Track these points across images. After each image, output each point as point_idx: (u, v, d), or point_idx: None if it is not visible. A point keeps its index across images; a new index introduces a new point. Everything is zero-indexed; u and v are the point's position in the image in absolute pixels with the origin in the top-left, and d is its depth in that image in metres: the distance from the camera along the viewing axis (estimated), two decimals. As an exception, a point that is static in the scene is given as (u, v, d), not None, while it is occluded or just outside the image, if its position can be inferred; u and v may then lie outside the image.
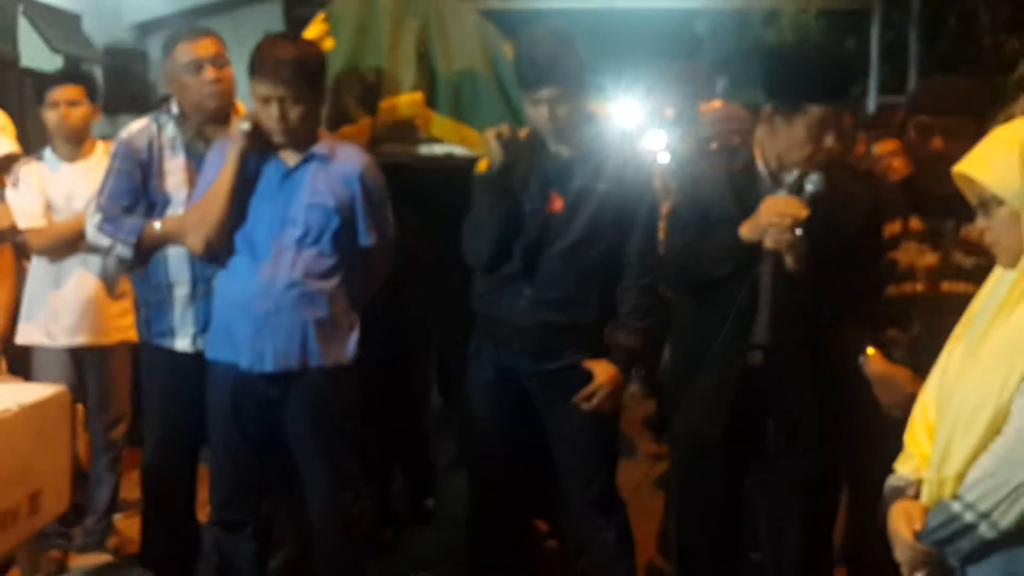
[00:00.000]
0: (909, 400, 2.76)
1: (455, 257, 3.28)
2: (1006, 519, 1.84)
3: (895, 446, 2.25)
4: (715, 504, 3.02)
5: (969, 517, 1.87)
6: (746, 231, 2.75)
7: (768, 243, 2.70)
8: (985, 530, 1.86)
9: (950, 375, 2.05)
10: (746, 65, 11.36)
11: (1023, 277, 1.87)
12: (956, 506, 1.90)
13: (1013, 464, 1.83)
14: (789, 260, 2.71)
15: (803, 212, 2.68)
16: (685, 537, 3.15)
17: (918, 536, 1.97)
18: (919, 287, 3.01)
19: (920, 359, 2.85)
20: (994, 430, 1.88)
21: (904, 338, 2.99)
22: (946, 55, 6.56)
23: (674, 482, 3.15)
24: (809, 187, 2.74)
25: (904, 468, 2.19)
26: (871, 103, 6.74)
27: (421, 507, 4.57)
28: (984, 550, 1.89)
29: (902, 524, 2.03)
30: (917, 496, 2.09)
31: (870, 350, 3.00)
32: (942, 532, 1.92)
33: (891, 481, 2.20)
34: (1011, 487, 1.83)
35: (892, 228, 3.10)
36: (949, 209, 2.97)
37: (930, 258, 3.01)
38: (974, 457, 1.90)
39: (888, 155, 4.47)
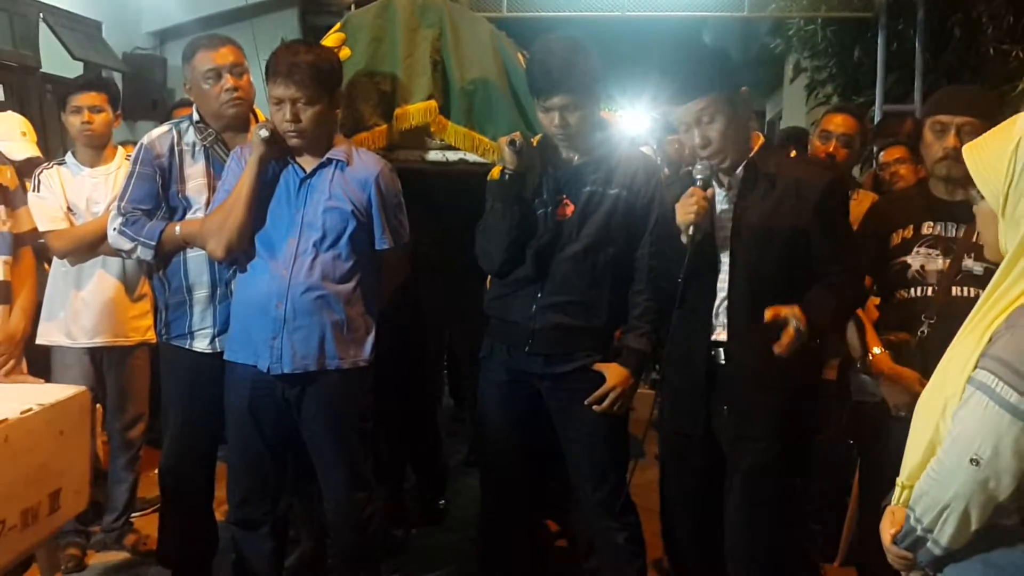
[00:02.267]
0: (916, 400, 2.82)
1: (469, 261, 3.34)
2: (944, 537, 1.82)
3: (903, 452, 2.29)
4: (696, 500, 3.05)
5: (919, 530, 1.87)
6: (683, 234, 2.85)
7: (684, 241, 2.81)
8: (932, 545, 1.85)
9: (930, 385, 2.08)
10: (753, 73, 11.41)
11: (992, 290, 1.84)
12: (911, 518, 1.90)
13: (941, 483, 1.80)
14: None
15: (692, 200, 2.80)
16: (671, 533, 3.19)
17: (895, 540, 1.97)
18: (929, 291, 3.06)
19: (928, 362, 2.90)
20: (934, 441, 1.87)
21: (913, 341, 3.04)
22: (951, 64, 6.59)
23: (660, 480, 3.19)
24: (697, 176, 2.86)
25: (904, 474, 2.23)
26: (877, 111, 6.76)
27: (433, 507, 4.63)
28: (940, 562, 1.87)
29: (886, 527, 2.03)
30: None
31: (877, 350, 3.06)
32: (906, 541, 1.92)
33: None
34: (940, 506, 1.81)
35: (904, 233, 3.16)
36: (959, 214, 3.03)
37: (941, 263, 3.06)
38: (923, 467, 1.89)
39: (895, 162, 4.51)
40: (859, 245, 3.02)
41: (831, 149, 4.03)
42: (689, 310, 2.91)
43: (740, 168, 2.89)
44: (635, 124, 8.83)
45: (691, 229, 2.81)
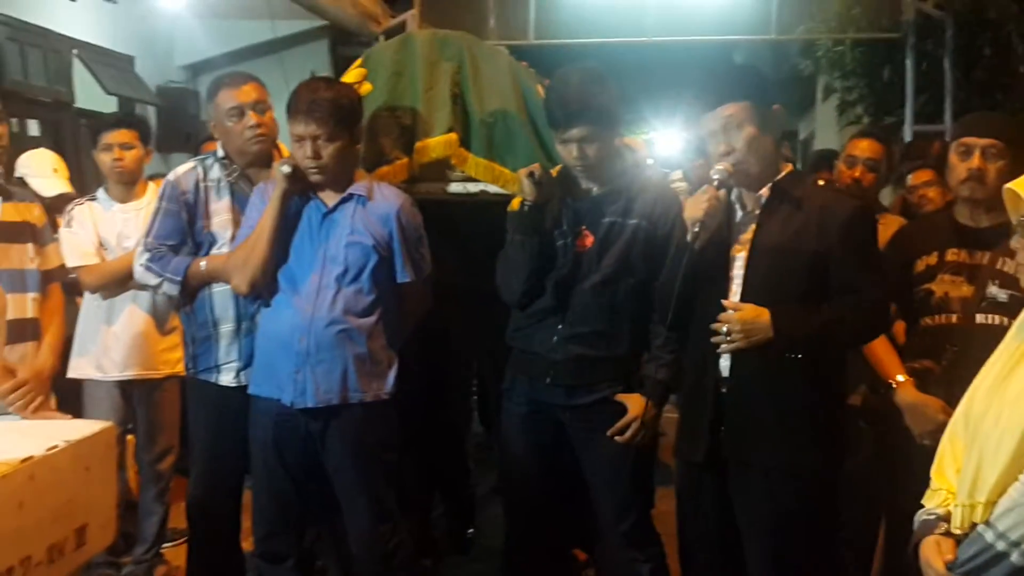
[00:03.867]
0: (941, 429, 2.79)
1: (495, 289, 3.35)
2: None
3: (929, 479, 2.26)
4: (708, 527, 2.97)
5: (1001, 546, 1.87)
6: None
7: (689, 239, 2.76)
8: (1017, 558, 1.86)
9: (978, 403, 2.07)
10: (785, 93, 11.37)
11: None
12: (989, 535, 1.91)
13: None
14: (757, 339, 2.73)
15: (704, 196, 2.76)
16: (687, 560, 3.14)
17: (950, 567, 1.97)
18: (954, 318, 3.03)
19: (953, 389, 2.86)
20: (1021, 457, 1.89)
21: (938, 368, 3.01)
22: (981, 84, 6.55)
23: (677, 511, 3.15)
24: (713, 176, 2.80)
25: (932, 503, 2.20)
26: (907, 132, 6.72)
27: (461, 536, 4.62)
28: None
29: (934, 555, 2.03)
30: (948, 531, 2.09)
31: (901, 378, 3.03)
32: (975, 562, 1.92)
33: (921, 515, 2.20)
34: None
35: (928, 260, 3.13)
36: (985, 241, 3.01)
37: (965, 290, 3.03)
38: (1004, 484, 1.91)
39: (923, 185, 4.47)
40: (885, 276, 2.92)
41: (857, 174, 4.01)
42: (694, 330, 2.86)
43: (765, 189, 2.84)
44: (667, 147, 8.84)
45: (697, 226, 2.74)
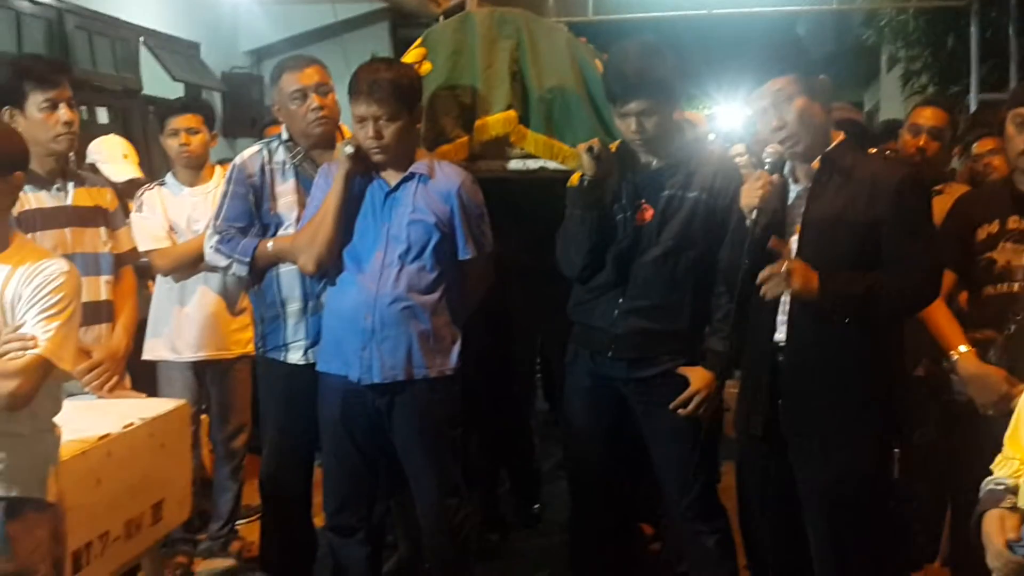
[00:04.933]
0: (1004, 399, 2.76)
1: (556, 266, 3.37)
2: None
3: (996, 453, 2.23)
4: (772, 505, 2.98)
5: None
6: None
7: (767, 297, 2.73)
8: None
9: None
10: (849, 65, 11.21)
11: None
12: None
13: None
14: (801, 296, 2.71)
15: (759, 183, 2.74)
16: (748, 531, 3.15)
17: (1012, 546, 1.93)
18: (1016, 287, 2.99)
19: (1017, 359, 2.84)
20: None
21: (1000, 338, 2.97)
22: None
23: (737, 486, 3.15)
24: (765, 160, 2.80)
25: (1002, 471, 2.16)
26: (972, 101, 6.58)
27: (528, 511, 4.66)
28: None
29: (995, 531, 1.99)
30: (1015, 506, 2.05)
31: (964, 348, 2.99)
32: None
33: (987, 484, 2.16)
34: None
35: (990, 228, 3.09)
36: None
37: None
38: None
39: (988, 153, 4.39)
40: (937, 244, 2.89)
41: (921, 143, 3.95)
42: (754, 304, 2.86)
43: (816, 161, 2.82)
44: (729, 121, 8.76)
45: (754, 213, 2.75)
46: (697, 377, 3.15)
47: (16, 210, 2.90)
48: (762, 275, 2.68)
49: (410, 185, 3.25)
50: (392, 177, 3.27)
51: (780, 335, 2.83)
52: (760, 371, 2.89)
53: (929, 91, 7.68)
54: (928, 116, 4.00)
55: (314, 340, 3.44)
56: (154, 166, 5.86)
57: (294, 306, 3.49)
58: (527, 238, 3.83)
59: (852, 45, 10.61)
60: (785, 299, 2.79)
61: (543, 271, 3.54)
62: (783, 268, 2.65)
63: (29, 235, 3.06)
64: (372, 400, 3.25)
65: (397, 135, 3.17)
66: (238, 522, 4.41)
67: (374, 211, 3.26)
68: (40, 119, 3.38)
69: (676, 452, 3.23)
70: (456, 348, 3.30)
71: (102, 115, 6.85)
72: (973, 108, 6.28)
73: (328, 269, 3.29)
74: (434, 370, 3.24)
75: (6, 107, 3.39)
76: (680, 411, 3.15)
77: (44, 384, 2.47)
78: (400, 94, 3.15)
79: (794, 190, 2.88)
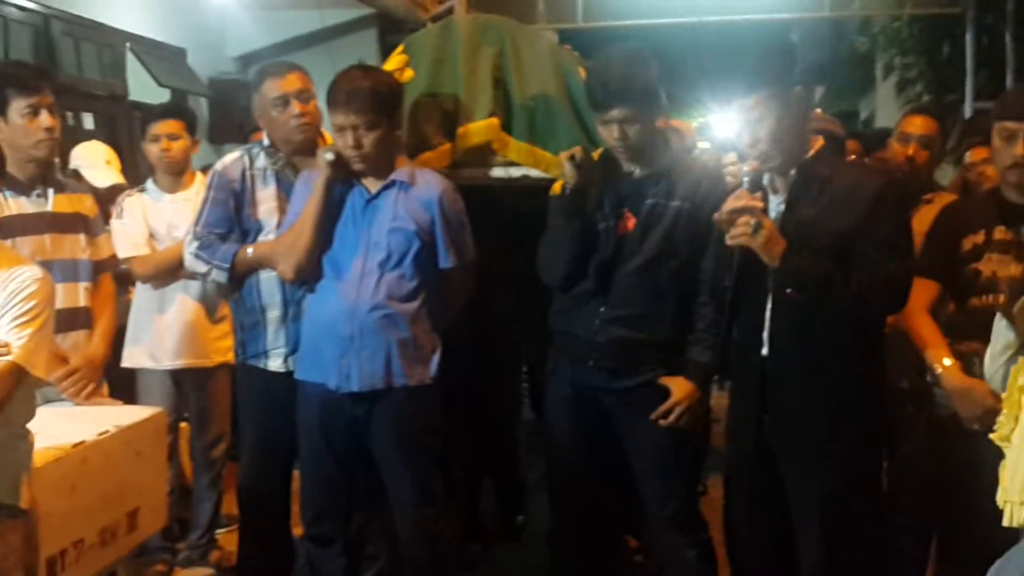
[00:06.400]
0: (989, 414, 2.72)
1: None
2: None
3: (989, 497, 2.21)
4: (757, 512, 2.97)
5: None
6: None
7: (729, 243, 2.71)
8: None
9: None
10: (844, 73, 11.20)
11: None
12: None
13: None
14: (761, 254, 2.69)
15: (741, 202, 2.70)
16: (734, 545, 3.12)
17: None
18: (1002, 299, 2.95)
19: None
20: None
21: (985, 350, 2.94)
22: (1045, 59, 6.39)
23: (724, 499, 3.12)
24: (743, 179, 2.79)
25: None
26: (967, 109, 6.56)
27: (511, 522, 4.62)
28: None
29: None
30: None
31: (948, 361, 2.96)
32: None
33: None
34: None
35: (975, 239, 3.06)
36: None
37: (1013, 269, 2.95)
38: None
39: (981, 162, 4.36)
40: (910, 256, 2.88)
41: (911, 152, 3.93)
42: (741, 319, 2.85)
43: (793, 171, 2.81)
44: (723, 130, 8.76)
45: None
46: (679, 387, 3.12)
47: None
48: (731, 213, 2.66)
49: (391, 193, 3.23)
50: (373, 184, 3.24)
51: (765, 350, 2.83)
52: (748, 385, 2.89)
53: (924, 99, 7.66)
54: (918, 124, 3.97)
55: (294, 348, 3.41)
56: (140, 172, 5.81)
57: (274, 313, 3.46)
58: (510, 245, 3.81)
59: (847, 53, 10.60)
60: (767, 315, 2.79)
61: (528, 279, 3.52)
62: (754, 220, 2.64)
63: (8, 241, 3.06)
64: (351, 409, 3.22)
65: (377, 143, 3.16)
66: (218, 531, 4.37)
67: (354, 218, 3.24)
68: (21, 125, 3.37)
69: (656, 463, 3.20)
70: (436, 357, 3.28)
71: (88, 121, 6.83)
72: (968, 116, 6.26)
73: (308, 276, 3.27)
74: (414, 379, 3.21)
75: None
76: (661, 421, 3.12)
77: (18, 390, 2.46)
78: (379, 102, 3.13)
79: (773, 201, 2.87)
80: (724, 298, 2.84)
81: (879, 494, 3.00)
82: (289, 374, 3.38)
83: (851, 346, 2.77)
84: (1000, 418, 2.23)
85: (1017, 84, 4.97)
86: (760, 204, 2.75)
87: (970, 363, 2.94)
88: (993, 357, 2.40)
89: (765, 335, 2.81)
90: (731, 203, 2.75)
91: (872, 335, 2.90)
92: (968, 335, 3.00)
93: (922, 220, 3.38)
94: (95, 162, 4.71)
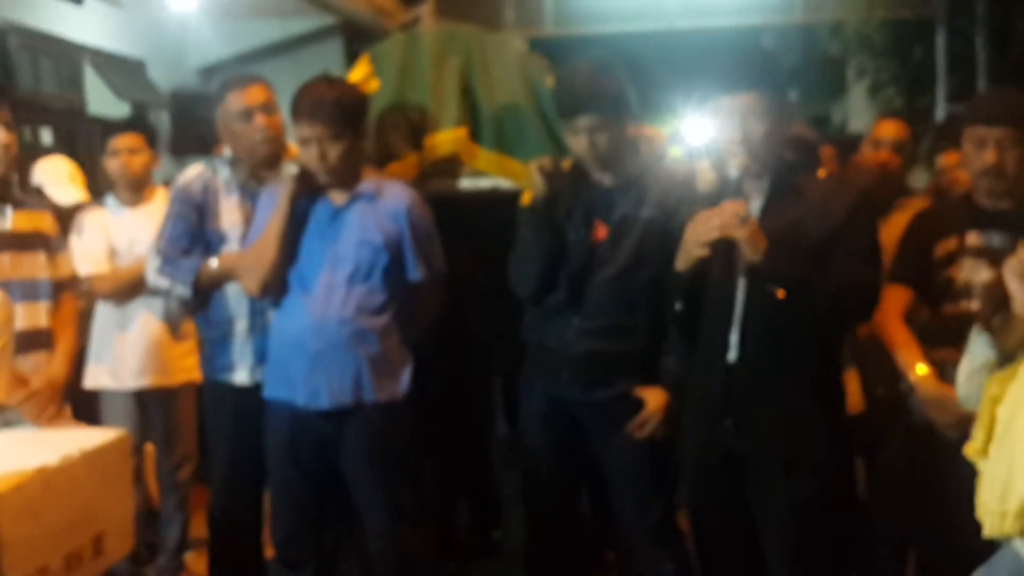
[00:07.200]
0: (963, 421, 2.69)
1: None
2: None
3: (967, 508, 2.18)
4: (725, 523, 2.90)
5: None
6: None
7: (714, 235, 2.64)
8: None
9: (1009, 402, 1.99)
10: (815, 78, 11.24)
11: None
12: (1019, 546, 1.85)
13: None
14: (745, 247, 2.63)
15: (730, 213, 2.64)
16: (705, 556, 3.05)
17: None
18: (975, 305, 2.93)
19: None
20: None
21: (959, 357, 2.91)
22: (1016, 61, 6.38)
23: (686, 500, 3.07)
24: (733, 174, 2.75)
25: None
26: (939, 112, 6.58)
27: (487, 538, 4.56)
28: None
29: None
30: None
31: (922, 369, 2.93)
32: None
33: None
34: None
35: (948, 245, 3.04)
36: (1006, 224, 2.91)
37: (986, 275, 2.93)
38: None
39: (953, 167, 4.35)
40: (879, 268, 2.85)
41: (883, 158, 3.92)
42: (704, 326, 2.80)
43: (766, 179, 2.77)
44: (697, 137, 8.76)
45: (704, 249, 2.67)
46: (653, 398, 3.08)
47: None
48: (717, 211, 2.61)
49: (358, 205, 3.18)
50: (339, 197, 3.19)
51: (732, 355, 2.75)
52: (709, 393, 2.82)
53: (897, 103, 7.70)
54: (889, 130, 3.97)
55: (260, 358, 3.35)
56: (99, 188, 5.75)
57: (242, 324, 3.40)
58: (481, 257, 3.77)
59: (818, 58, 10.63)
60: (736, 320, 2.74)
61: (500, 290, 3.47)
62: (743, 214, 2.59)
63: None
64: (320, 426, 3.16)
65: (342, 155, 3.10)
66: (186, 554, 4.29)
67: (320, 231, 3.19)
68: None
69: (633, 476, 3.15)
70: (407, 372, 3.23)
71: (46, 135, 6.75)
72: (940, 120, 6.28)
73: (273, 292, 3.21)
74: (384, 395, 3.17)
75: None
76: (636, 433, 3.08)
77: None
78: (343, 114, 3.09)
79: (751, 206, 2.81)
80: (679, 324, 2.81)
81: (853, 503, 2.95)
82: (257, 388, 3.32)
83: (820, 352, 2.74)
84: (974, 431, 2.19)
85: (989, 88, 4.97)
86: (743, 204, 2.69)
87: (944, 370, 2.91)
88: (970, 376, 2.29)
89: (733, 339, 2.74)
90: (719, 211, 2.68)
91: (837, 345, 2.88)
92: (943, 342, 2.98)
93: (895, 226, 3.37)
94: (59, 179, 4.63)
